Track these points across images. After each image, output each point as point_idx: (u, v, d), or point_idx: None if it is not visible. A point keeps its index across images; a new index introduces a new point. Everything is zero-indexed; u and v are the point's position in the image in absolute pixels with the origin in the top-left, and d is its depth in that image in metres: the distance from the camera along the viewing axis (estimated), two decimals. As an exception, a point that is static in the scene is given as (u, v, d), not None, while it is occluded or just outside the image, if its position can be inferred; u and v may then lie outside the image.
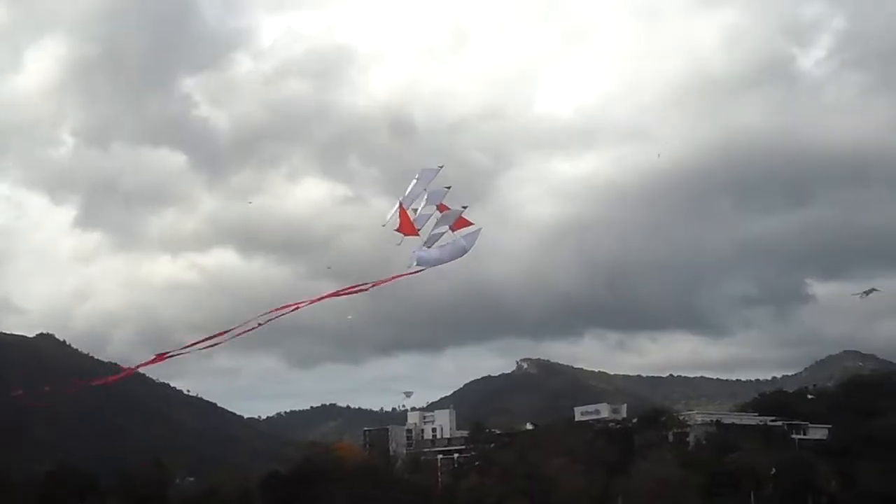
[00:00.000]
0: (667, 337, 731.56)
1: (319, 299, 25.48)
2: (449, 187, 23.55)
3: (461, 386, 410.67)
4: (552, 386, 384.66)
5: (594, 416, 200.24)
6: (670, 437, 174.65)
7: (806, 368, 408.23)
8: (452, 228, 22.84)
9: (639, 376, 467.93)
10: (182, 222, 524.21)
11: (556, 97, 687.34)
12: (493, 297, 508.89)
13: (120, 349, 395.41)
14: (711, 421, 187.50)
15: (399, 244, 23.95)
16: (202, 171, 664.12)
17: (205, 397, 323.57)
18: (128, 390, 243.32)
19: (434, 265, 23.36)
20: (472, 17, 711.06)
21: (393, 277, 24.56)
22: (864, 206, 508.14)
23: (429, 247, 23.25)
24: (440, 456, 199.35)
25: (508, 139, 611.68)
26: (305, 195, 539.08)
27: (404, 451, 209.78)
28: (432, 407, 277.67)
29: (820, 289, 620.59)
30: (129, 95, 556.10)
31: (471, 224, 23.61)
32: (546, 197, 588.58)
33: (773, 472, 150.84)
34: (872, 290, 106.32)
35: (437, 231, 22.93)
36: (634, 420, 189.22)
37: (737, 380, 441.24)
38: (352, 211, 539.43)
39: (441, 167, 23.20)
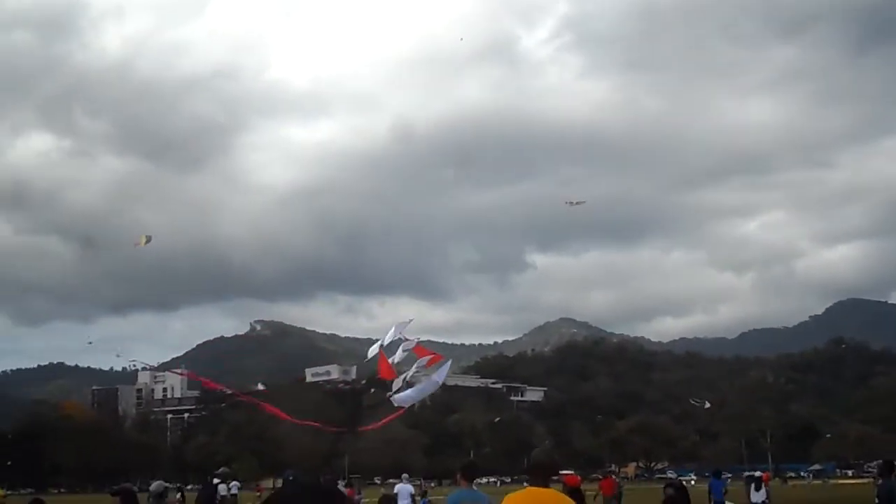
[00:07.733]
0: (394, 301, 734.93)
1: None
2: (418, 338, 24.26)
3: (194, 346, 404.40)
4: (285, 347, 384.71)
5: (324, 377, 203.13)
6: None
7: (525, 334, 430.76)
8: (426, 365, 24.01)
9: (368, 339, 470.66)
10: None
11: (290, 65, 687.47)
12: (227, 259, 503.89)
13: None
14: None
15: None
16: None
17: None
18: None
19: (413, 402, 24.06)
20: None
21: (382, 422, 26.92)
22: (580, 181, 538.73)
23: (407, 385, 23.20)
24: (170, 416, 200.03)
25: (243, 101, 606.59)
26: (28, 148, 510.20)
27: (134, 411, 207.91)
28: (164, 367, 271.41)
29: (539, 259, 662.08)
30: None
31: (441, 358, 24.67)
32: (280, 161, 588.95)
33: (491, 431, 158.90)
34: (581, 201, 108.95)
35: (413, 373, 24.06)
36: (363, 381, 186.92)
37: (461, 344, 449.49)
38: (78, 164, 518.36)
39: (411, 319, 24.32)
